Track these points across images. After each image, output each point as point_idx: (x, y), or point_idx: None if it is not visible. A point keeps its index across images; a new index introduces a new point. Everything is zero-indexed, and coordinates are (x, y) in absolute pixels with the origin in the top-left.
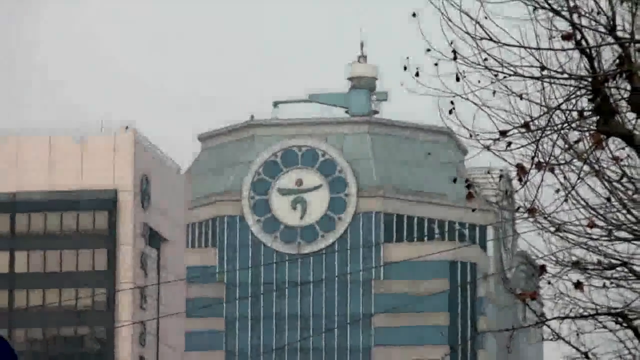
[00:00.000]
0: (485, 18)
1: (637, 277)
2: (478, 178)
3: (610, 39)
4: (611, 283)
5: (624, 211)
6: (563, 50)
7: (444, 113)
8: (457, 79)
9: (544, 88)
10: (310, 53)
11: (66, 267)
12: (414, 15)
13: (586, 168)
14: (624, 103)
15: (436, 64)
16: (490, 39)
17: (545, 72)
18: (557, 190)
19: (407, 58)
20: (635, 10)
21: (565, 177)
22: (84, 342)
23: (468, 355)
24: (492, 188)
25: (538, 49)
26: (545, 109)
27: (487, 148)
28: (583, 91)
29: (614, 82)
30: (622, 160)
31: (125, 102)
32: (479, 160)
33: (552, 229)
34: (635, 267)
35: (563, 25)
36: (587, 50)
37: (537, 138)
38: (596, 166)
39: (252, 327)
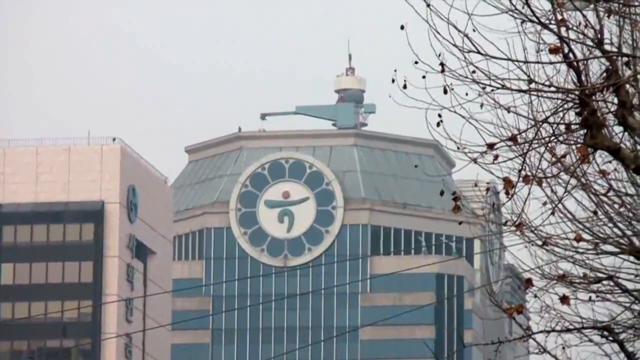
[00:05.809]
0: (474, 31)
1: (623, 291)
2: (465, 191)
3: (597, 53)
4: (597, 297)
5: (611, 225)
6: (551, 63)
7: (432, 126)
8: (445, 92)
9: (531, 101)
10: (298, 65)
11: (52, 279)
12: (402, 27)
13: (573, 181)
14: (611, 116)
15: (424, 77)
16: (478, 52)
17: (532, 85)
18: (544, 204)
19: (395, 71)
20: (622, 23)
21: (552, 190)
22: (70, 354)
23: None
24: (479, 201)
25: (526, 62)
26: (533, 122)
27: (475, 161)
28: (570, 104)
29: (602, 95)
30: (608, 173)
31: (112, 114)
32: (466, 173)
33: (539, 242)
34: (621, 281)
35: (551, 39)
36: (575, 64)
37: (525, 151)
38: (583, 179)
39: (239, 340)
